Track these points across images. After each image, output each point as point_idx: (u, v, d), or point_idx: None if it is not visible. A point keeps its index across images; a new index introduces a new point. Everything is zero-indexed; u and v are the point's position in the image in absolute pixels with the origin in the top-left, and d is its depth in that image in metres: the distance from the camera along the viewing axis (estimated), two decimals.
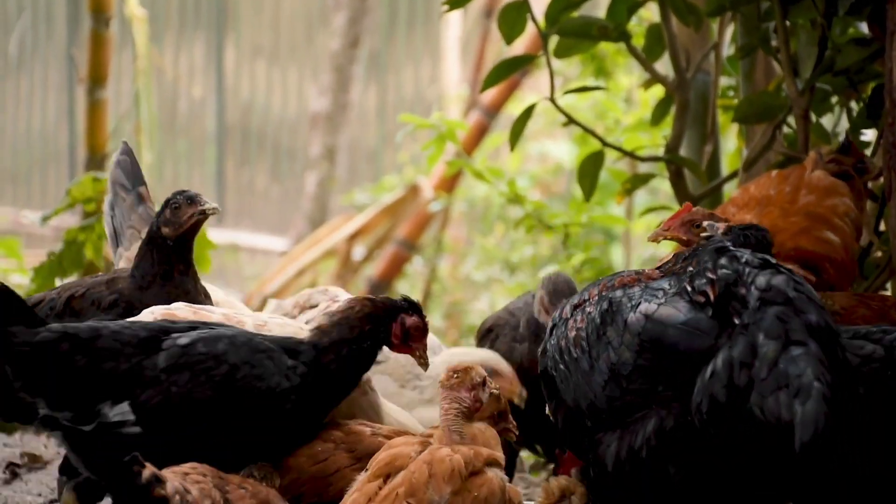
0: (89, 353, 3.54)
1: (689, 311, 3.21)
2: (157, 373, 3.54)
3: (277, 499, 3.48)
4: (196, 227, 4.07)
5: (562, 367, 3.39)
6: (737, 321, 3.13)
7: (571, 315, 3.44)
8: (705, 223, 3.74)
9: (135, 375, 3.54)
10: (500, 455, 3.39)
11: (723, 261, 3.24)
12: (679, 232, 3.77)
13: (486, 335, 4.90)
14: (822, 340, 3.07)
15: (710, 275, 3.23)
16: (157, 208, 4.14)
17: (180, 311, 3.77)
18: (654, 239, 3.81)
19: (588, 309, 3.39)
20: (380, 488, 3.28)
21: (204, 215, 4.05)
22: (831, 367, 3.04)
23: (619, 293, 3.36)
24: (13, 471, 5.28)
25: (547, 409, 3.52)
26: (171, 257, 4.04)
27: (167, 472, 3.32)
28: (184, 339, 3.58)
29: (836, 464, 3.18)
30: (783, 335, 3.06)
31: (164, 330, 3.61)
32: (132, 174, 4.32)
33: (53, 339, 3.53)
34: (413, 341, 3.76)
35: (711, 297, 3.19)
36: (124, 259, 4.24)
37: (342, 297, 4.49)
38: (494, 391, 3.47)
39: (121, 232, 4.29)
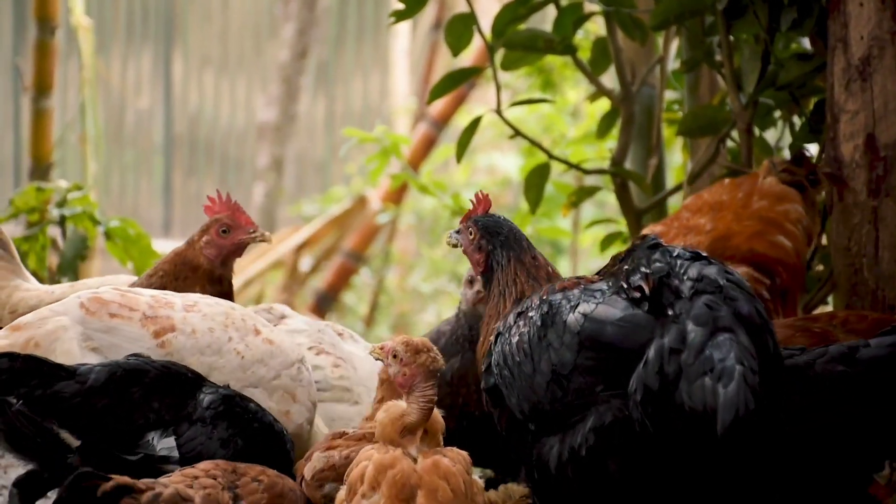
0: (142, 386, 3.56)
1: (626, 308, 3.24)
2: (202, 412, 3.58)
3: (293, 491, 3.49)
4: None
5: (506, 372, 3.41)
6: (670, 312, 3.17)
7: (515, 322, 3.46)
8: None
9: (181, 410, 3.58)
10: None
11: (656, 255, 3.29)
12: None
13: None
14: (751, 328, 3.10)
15: (644, 269, 3.27)
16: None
17: (107, 294, 3.79)
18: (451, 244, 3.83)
19: (530, 314, 3.41)
20: None
21: None
22: (758, 354, 3.06)
23: (558, 296, 3.38)
24: None
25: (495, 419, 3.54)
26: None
27: (176, 476, 3.31)
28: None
29: (764, 451, 3.19)
30: (711, 322, 3.09)
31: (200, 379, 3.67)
32: None
33: (105, 378, 3.53)
34: None
35: (647, 290, 3.24)
36: None
37: (289, 315, 4.47)
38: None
39: None
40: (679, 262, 3.24)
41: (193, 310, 3.80)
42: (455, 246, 3.75)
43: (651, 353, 3.14)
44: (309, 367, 3.98)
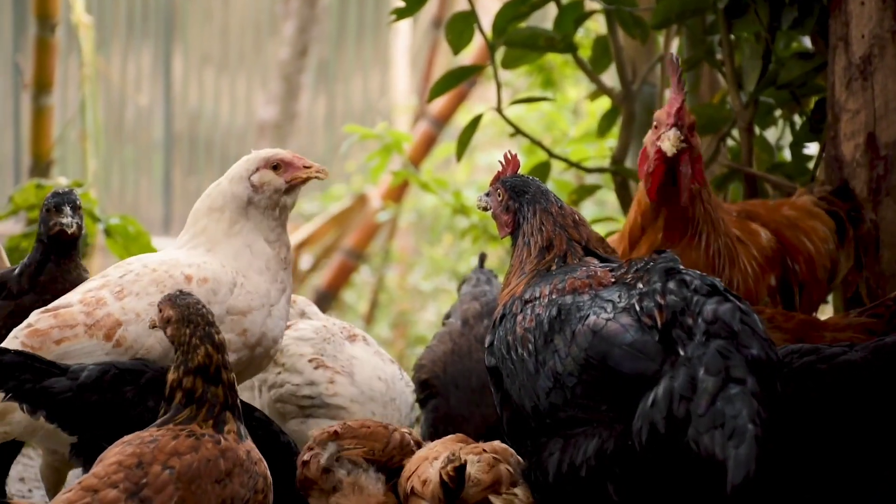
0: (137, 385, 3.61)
1: (637, 332, 3.20)
2: None
3: (211, 461, 3.25)
4: (60, 235, 4.20)
5: (509, 363, 3.39)
6: (681, 352, 3.13)
7: (521, 311, 3.42)
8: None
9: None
10: None
11: (671, 285, 3.24)
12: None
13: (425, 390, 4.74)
14: (762, 375, 3.07)
15: (658, 299, 3.22)
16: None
17: (41, 322, 3.76)
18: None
19: (537, 310, 3.38)
20: None
21: (62, 230, 4.18)
22: (767, 403, 3.04)
23: (568, 299, 3.34)
24: None
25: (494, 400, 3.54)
26: (50, 251, 4.23)
27: (73, 493, 3.15)
28: None
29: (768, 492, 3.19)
30: (723, 371, 3.06)
31: None
32: None
33: (97, 376, 3.58)
34: None
35: (659, 322, 3.19)
36: None
37: (309, 314, 4.45)
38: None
39: None
40: (695, 297, 3.20)
41: (124, 294, 3.75)
42: (485, 209, 3.76)
43: (659, 393, 3.11)
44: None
